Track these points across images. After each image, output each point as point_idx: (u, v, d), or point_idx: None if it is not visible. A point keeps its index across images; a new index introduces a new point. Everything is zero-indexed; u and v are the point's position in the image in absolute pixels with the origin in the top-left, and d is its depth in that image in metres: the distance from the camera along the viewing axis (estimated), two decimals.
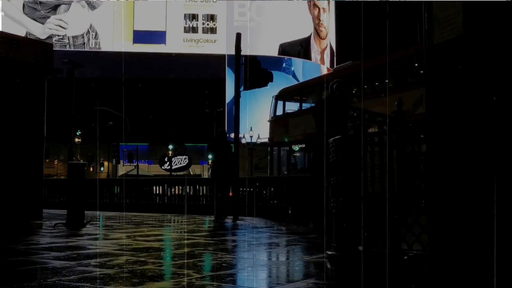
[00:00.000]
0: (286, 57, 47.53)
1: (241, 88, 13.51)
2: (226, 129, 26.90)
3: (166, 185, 19.06)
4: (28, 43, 9.24)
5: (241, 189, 14.26)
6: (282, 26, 46.46)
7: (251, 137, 38.56)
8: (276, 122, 20.31)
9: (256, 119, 37.01)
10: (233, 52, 13.88)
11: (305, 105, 19.06)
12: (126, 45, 44.51)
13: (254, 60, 13.60)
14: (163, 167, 37.41)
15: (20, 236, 7.13)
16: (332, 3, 52.21)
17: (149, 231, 8.57)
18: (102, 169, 42.55)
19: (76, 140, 33.95)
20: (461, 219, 2.64)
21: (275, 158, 19.39)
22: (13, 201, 7.99)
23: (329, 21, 51.35)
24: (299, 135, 18.02)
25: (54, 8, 46.05)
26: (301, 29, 48.72)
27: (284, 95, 20.33)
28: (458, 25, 2.69)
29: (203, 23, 46.91)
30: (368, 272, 4.38)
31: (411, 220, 4.29)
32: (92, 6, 46.09)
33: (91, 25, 45.72)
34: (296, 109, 19.18)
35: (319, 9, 50.03)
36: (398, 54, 15.53)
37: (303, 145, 17.91)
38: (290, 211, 13.15)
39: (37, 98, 8.61)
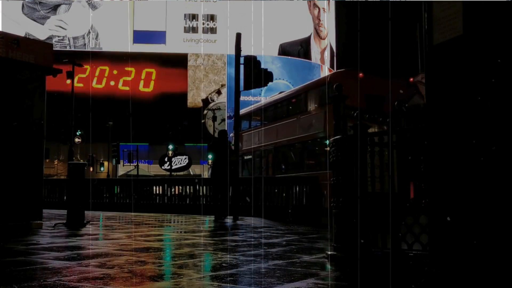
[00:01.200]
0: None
1: (241, 88, 13.49)
2: (226, 129, 27.06)
3: (166, 185, 19.03)
4: (28, 43, 9.23)
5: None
6: (282, 26, 46.50)
7: None
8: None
9: None
10: (233, 52, 13.86)
11: (254, 124, 24.58)
12: (126, 45, 44.55)
13: (254, 60, 13.57)
14: (163, 167, 37.40)
15: (20, 236, 7.13)
16: (332, 3, 52.24)
17: (149, 231, 8.57)
18: (102, 169, 42.55)
19: (76, 140, 33.94)
20: (461, 219, 2.65)
21: None
22: (13, 201, 8.00)
23: (329, 21, 51.40)
24: (249, 147, 23.18)
25: (54, 8, 45.99)
26: (301, 29, 48.75)
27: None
28: (458, 25, 2.69)
29: (203, 23, 46.94)
30: (368, 272, 4.38)
31: (411, 220, 4.29)
32: (93, 6, 46.07)
33: (92, 25, 45.71)
34: (247, 127, 24.69)
35: (319, 9, 50.07)
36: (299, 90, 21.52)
37: (250, 156, 23.44)
38: (290, 211, 13.18)
39: (37, 98, 8.61)
